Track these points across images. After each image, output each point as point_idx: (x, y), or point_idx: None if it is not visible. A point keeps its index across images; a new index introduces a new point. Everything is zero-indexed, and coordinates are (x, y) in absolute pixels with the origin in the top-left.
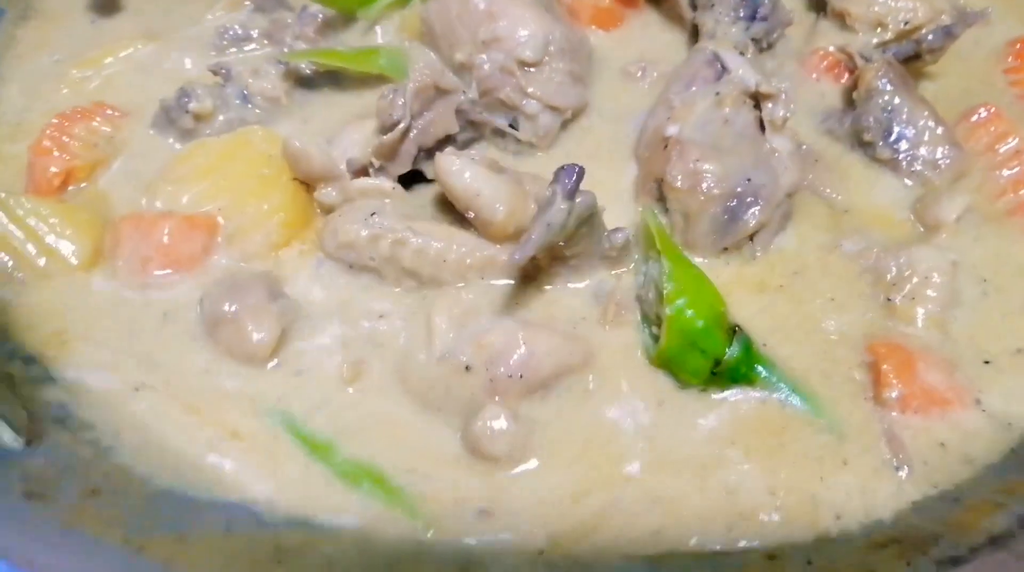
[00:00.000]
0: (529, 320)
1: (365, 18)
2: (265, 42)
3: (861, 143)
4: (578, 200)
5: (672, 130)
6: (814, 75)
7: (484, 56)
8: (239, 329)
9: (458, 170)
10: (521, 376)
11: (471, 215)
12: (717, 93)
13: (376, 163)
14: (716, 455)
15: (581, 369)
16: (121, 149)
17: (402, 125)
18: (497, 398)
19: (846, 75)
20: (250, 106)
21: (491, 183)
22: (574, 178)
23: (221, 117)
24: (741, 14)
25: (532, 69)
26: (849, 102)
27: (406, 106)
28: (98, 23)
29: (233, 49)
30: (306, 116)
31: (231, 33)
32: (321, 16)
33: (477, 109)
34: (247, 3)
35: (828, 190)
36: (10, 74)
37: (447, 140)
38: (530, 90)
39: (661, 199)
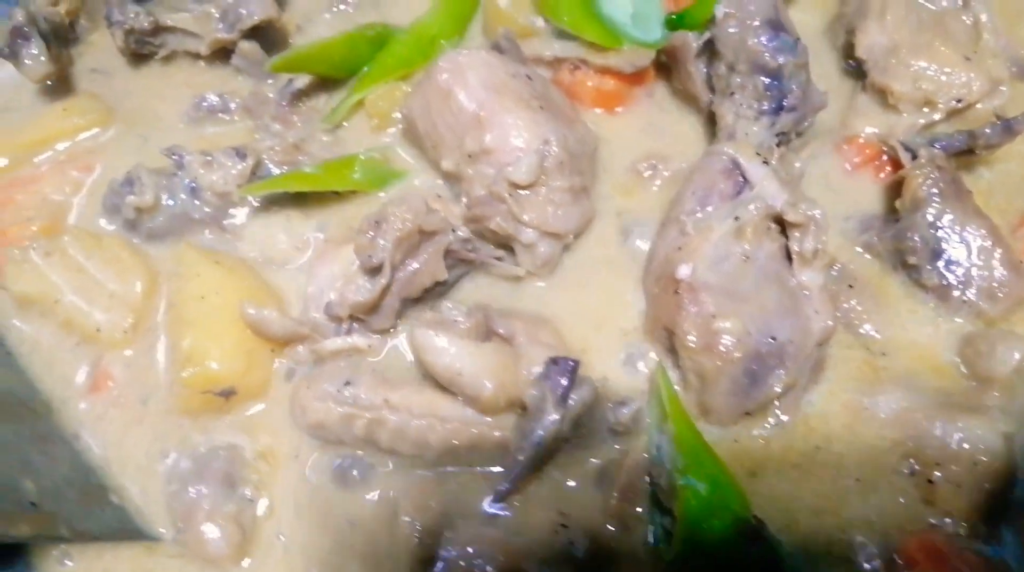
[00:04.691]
0: (508, 544)
1: (330, 122)
2: (241, 116)
3: (904, 264)
4: (572, 400)
5: (684, 272)
6: (849, 164)
7: (471, 171)
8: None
9: (437, 348)
10: None
11: (456, 391)
12: (736, 217)
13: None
14: None
15: None
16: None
17: (383, 281)
18: None
19: (888, 169)
20: (197, 202)
21: (474, 359)
22: (568, 377)
23: (164, 209)
24: (765, 107)
25: (526, 191)
26: (891, 209)
27: (387, 252)
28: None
29: (208, 124)
30: (268, 231)
31: (207, 103)
32: (301, 95)
33: (468, 246)
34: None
35: (865, 325)
36: None
37: (436, 285)
38: (525, 217)
39: (673, 350)
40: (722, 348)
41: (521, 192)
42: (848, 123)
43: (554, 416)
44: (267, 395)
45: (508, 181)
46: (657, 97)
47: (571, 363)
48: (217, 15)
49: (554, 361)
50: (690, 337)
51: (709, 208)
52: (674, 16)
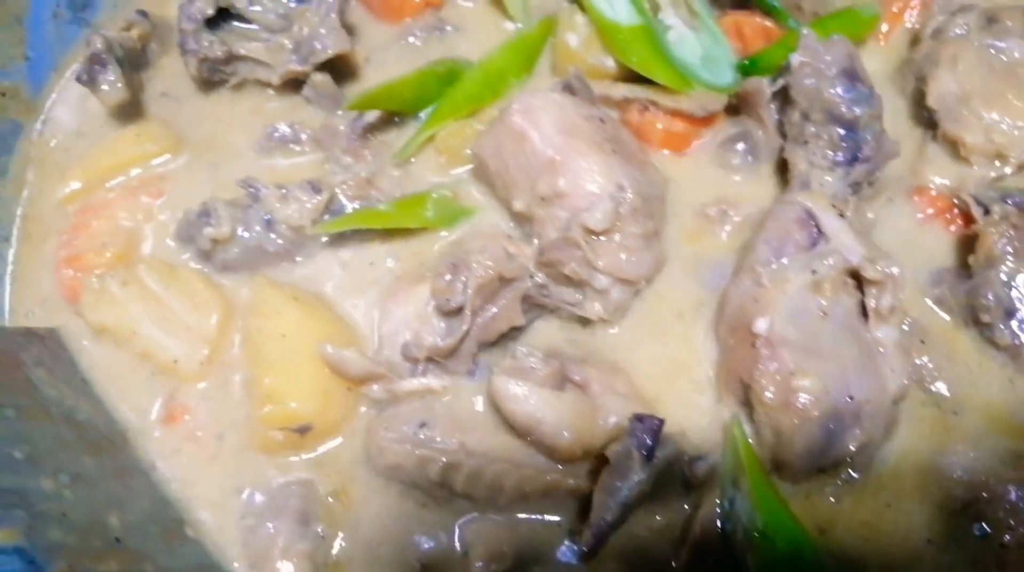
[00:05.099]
0: None
1: (401, 157)
2: (311, 148)
3: (976, 321)
4: (657, 458)
5: (762, 326)
6: (919, 216)
7: (543, 213)
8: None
9: (518, 397)
10: None
11: (532, 439)
12: (813, 271)
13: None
14: None
15: None
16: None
17: (464, 327)
18: None
19: (959, 222)
20: (272, 235)
21: (553, 408)
22: (653, 436)
23: (238, 241)
24: (840, 158)
25: (601, 237)
26: (963, 263)
27: (467, 298)
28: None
29: (279, 155)
30: (339, 265)
31: (279, 134)
32: (372, 128)
33: (543, 292)
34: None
35: (937, 382)
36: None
37: (511, 329)
38: (600, 263)
39: (747, 403)
40: (800, 406)
41: (596, 238)
42: (918, 171)
43: (641, 476)
44: (342, 432)
45: (583, 227)
46: (725, 137)
47: (656, 422)
48: (290, 47)
49: (639, 418)
50: (767, 393)
51: (784, 259)
52: (747, 61)
